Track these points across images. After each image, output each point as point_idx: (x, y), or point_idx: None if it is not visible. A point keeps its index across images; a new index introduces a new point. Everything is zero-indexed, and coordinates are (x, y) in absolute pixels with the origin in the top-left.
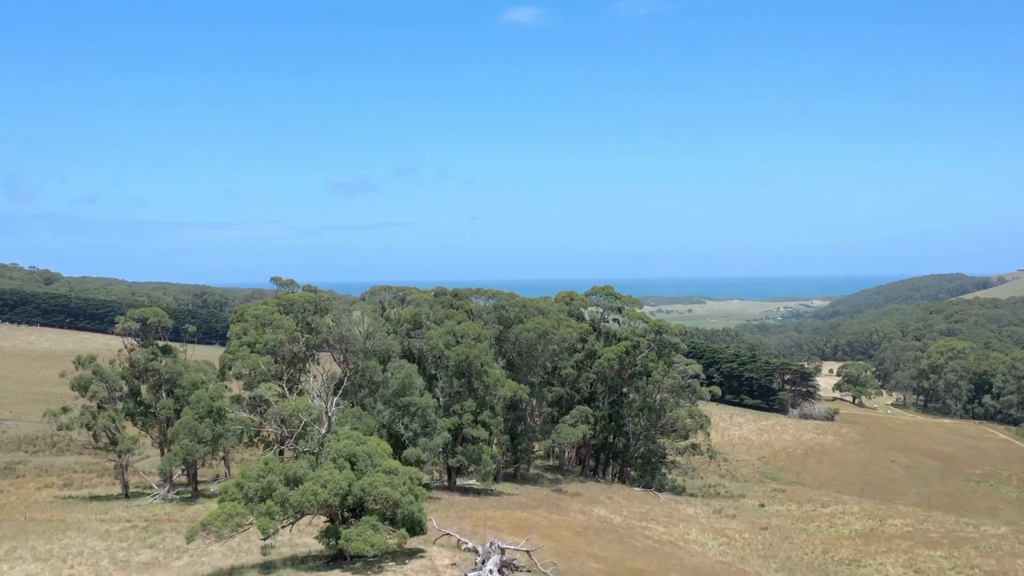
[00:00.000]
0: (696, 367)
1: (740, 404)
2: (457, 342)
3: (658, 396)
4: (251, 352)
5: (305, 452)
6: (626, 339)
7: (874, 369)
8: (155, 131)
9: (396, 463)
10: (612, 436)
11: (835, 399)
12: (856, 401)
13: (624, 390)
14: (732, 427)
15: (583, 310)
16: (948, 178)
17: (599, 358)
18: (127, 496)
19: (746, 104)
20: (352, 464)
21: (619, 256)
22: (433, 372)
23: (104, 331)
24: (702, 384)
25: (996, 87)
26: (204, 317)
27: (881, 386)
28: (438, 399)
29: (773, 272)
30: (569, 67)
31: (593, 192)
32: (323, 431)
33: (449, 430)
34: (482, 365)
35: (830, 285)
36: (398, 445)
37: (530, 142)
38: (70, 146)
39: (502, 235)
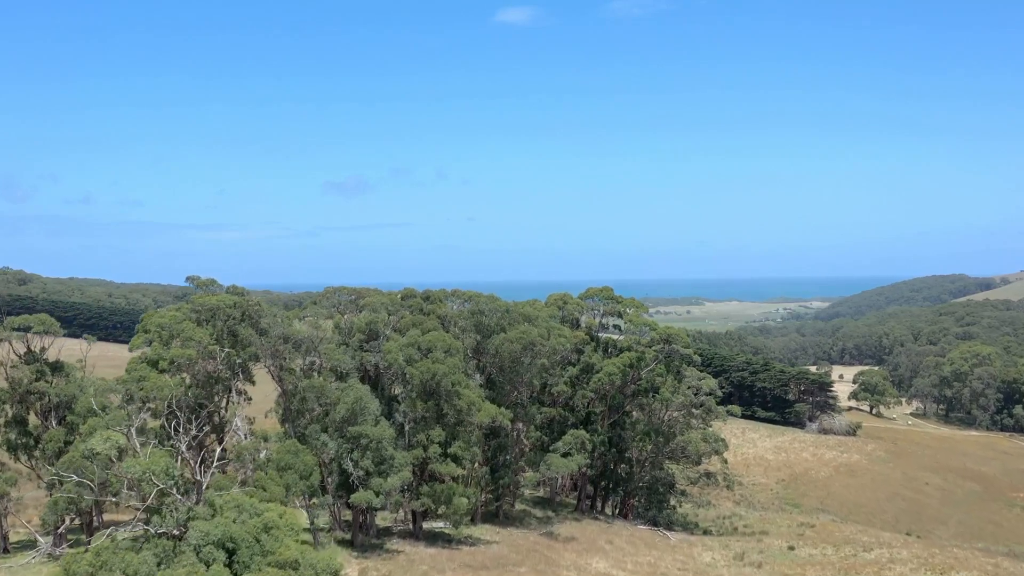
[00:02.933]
0: (711, 382)
1: (752, 417)
2: (424, 356)
3: (666, 416)
4: (154, 371)
5: (160, 535)
6: (629, 350)
7: (888, 375)
8: (149, 132)
9: (302, 548)
10: (613, 463)
11: (851, 408)
12: (874, 411)
13: (627, 409)
14: (745, 444)
15: (579, 316)
16: (948, 178)
17: (598, 373)
18: (6, 550)
19: (744, 104)
20: (231, 554)
21: (616, 257)
22: (393, 394)
23: (73, 335)
24: (718, 402)
25: (996, 87)
26: None
27: (898, 394)
28: (402, 425)
29: (770, 273)
30: (565, 67)
31: (590, 193)
32: (192, 501)
33: (412, 465)
34: (453, 384)
35: (828, 286)
36: (347, 485)
37: (527, 142)
38: (64, 147)
39: (500, 236)
